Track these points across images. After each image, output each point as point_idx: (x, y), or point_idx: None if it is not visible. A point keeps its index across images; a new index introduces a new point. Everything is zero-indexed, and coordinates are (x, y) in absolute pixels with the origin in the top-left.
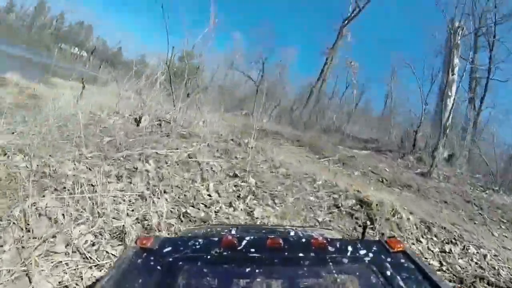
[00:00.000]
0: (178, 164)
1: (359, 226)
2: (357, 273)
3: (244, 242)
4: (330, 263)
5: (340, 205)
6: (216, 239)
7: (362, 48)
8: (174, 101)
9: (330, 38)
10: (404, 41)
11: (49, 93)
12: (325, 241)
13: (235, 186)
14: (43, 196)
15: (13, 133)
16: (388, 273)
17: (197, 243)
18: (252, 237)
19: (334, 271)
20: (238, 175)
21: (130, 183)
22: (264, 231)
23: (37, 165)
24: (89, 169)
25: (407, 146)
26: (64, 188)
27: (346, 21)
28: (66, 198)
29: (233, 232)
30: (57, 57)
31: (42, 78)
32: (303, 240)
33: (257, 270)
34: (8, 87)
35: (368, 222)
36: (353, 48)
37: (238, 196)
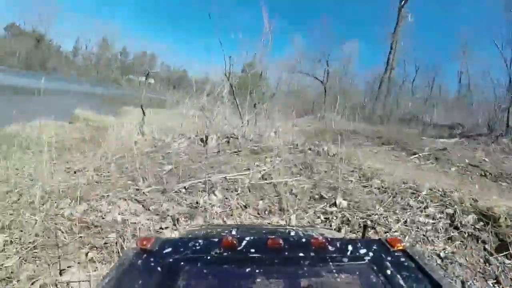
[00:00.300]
0: (250, 190)
1: (491, 255)
2: (358, 273)
3: (244, 243)
4: (330, 263)
5: (458, 224)
6: (216, 239)
7: (425, 27)
8: (241, 114)
9: (389, 23)
10: (469, 12)
11: (115, 123)
12: (325, 241)
13: (323, 213)
14: (78, 260)
15: (68, 171)
16: (389, 272)
17: (197, 244)
18: (252, 238)
19: (334, 271)
20: (325, 196)
21: None
22: (264, 231)
23: (84, 210)
24: (144, 207)
25: (498, 127)
26: (105, 245)
27: (403, 2)
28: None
29: (233, 232)
30: (126, 87)
31: (111, 109)
32: (303, 240)
33: (257, 270)
34: (75, 123)
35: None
36: (415, 29)
37: None
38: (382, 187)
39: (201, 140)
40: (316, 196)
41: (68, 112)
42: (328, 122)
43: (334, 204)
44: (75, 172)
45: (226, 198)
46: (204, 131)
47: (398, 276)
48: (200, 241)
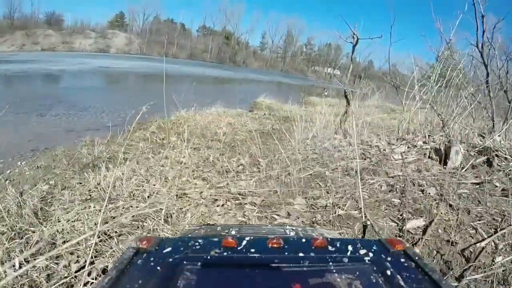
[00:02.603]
0: None
1: None
2: (357, 273)
3: (244, 242)
4: (330, 263)
5: None
6: (216, 239)
7: None
8: (493, 113)
9: None
10: None
11: (303, 113)
12: (325, 241)
13: None
14: None
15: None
16: (389, 272)
17: (197, 244)
18: (252, 237)
19: (334, 271)
20: None
21: None
22: (264, 231)
23: None
24: None
25: None
26: None
27: None
28: None
29: (233, 232)
30: (311, 78)
31: (296, 99)
32: (303, 240)
33: (257, 270)
34: (256, 111)
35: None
36: None
37: None
38: None
39: (436, 151)
40: None
41: (251, 99)
42: None
43: None
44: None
45: None
46: (438, 137)
47: (398, 276)
48: (199, 240)
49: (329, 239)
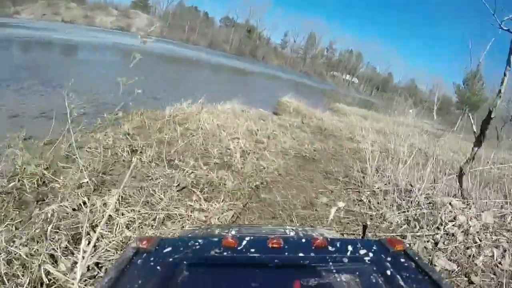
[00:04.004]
0: None
1: None
2: (357, 273)
3: (244, 242)
4: (330, 263)
5: None
6: (216, 239)
7: None
8: None
9: None
10: None
11: (341, 125)
12: (325, 241)
13: None
14: None
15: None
16: (389, 272)
17: (197, 244)
18: (252, 237)
19: (334, 271)
20: None
21: None
22: (264, 231)
23: None
24: None
25: None
26: None
27: None
28: None
29: (233, 232)
30: (330, 82)
31: (324, 104)
32: (303, 240)
33: (257, 270)
34: (285, 113)
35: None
36: None
37: None
38: None
39: None
40: None
41: (273, 98)
42: None
43: None
44: None
45: None
46: None
47: (398, 276)
48: (200, 240)
49: (329, 239)
